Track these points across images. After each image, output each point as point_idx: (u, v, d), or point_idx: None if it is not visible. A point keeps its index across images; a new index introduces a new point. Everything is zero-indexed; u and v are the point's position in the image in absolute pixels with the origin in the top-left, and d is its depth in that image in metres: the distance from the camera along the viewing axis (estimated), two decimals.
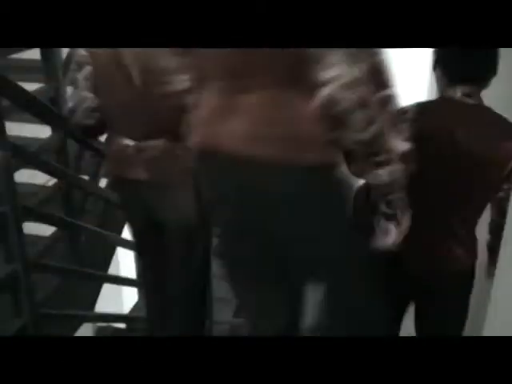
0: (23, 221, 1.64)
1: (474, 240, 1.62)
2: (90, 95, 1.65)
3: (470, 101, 1.53)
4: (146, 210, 1.71)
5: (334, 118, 1.17)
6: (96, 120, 1.65)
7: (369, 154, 1.20)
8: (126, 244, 2.65)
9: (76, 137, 1.94)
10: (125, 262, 4.95)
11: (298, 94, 1.22)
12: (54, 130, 2.10)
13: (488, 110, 1.55)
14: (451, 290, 1.69)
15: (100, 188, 2.19)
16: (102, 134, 1.78)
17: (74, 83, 1.84)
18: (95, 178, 2.29)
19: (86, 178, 2.22)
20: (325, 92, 1.16)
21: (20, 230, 1.61)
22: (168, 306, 1.87)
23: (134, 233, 1.87)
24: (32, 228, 1.95)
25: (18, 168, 1.76)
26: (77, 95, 1.72)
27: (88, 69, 1.63)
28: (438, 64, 1.62)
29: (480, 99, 1.56)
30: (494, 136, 1.51)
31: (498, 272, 1.51)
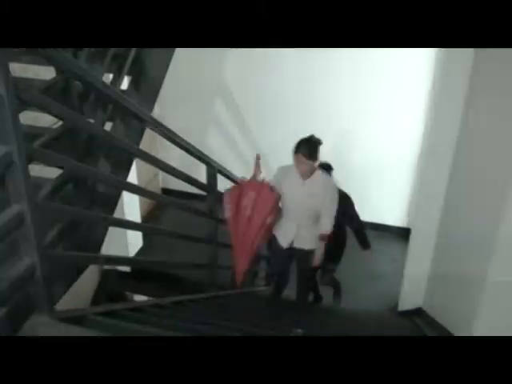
0: (29, 161, 1.64)
1: None
2: None
3: None
4: None
5: None
6: None
7: None
8: (130, 187, 2.66)
9: (81, 78, 1.91)
10: (130, 206, 5.00)
11: None
12: (57, 70, 2.08)
13: None
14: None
15: (105, 131, 2.18)
16: None
17: None
18: (100, 121, 2.27)
19: (90, 120, 2.20)
20: None
21: (26, 169, 1.61)
22: None
23: None
24: (38, 170, 1.95)
25: (22, 109, 1.75)
26: None
27: None
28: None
29: None
30: None
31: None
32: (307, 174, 3.39)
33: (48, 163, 1.84)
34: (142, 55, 2.69)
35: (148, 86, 2.78)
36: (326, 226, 3.59)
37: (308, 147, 3.28)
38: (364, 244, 4.38)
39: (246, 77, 6.38)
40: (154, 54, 2.76)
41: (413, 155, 6.12)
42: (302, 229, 3.65)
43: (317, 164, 3.40)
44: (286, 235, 3.72)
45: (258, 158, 3.57)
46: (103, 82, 2.06)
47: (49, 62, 1.79)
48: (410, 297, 4.67)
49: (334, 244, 4.03)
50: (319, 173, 3.48)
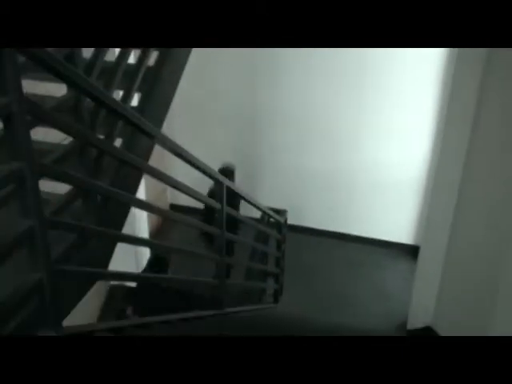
0: (39, 178, 1.65)
1: None
2: None
3: None
4: None
5: None
6: None
7: None
8: (140, 204, 2.66)
9: (92, 95, 1.93)
10: (138, 222, 5.01)
11: None
12: (69, 88, 2.09)
13: None
14: None
15: (115, 147, 2.19)
16: None
17: None
18: (110, 137, 2.28)
19: (101, 136, 2.21)
20: None
21: (36, 186, 1.62)
22: None
23: None
24: (47, 186, 1.96)
25: (33, 125, 1.76)
26: None
27: None
28: None
29: None
30: None
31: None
32: None
33: (58, 179, 1.85)
34: (152, 71, 2.71)
35: (158, 101, 2.80)
36: None
37: None
38: None
39: (248, 89, 6.39)
40: (164, 70, 2.77)
41: (421, 170, 6.08)
42: None
43: None
44: None
45: None
46: (114, 99, 2.07)
47: (61, 78, 1.80)
48: (419, 315, 4.62)
49: None
50: None
